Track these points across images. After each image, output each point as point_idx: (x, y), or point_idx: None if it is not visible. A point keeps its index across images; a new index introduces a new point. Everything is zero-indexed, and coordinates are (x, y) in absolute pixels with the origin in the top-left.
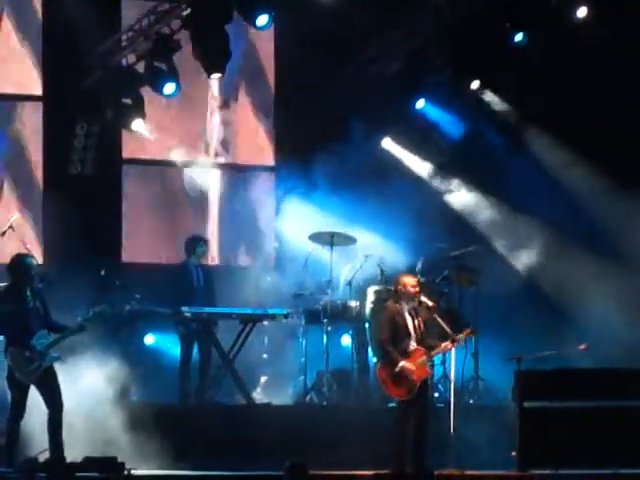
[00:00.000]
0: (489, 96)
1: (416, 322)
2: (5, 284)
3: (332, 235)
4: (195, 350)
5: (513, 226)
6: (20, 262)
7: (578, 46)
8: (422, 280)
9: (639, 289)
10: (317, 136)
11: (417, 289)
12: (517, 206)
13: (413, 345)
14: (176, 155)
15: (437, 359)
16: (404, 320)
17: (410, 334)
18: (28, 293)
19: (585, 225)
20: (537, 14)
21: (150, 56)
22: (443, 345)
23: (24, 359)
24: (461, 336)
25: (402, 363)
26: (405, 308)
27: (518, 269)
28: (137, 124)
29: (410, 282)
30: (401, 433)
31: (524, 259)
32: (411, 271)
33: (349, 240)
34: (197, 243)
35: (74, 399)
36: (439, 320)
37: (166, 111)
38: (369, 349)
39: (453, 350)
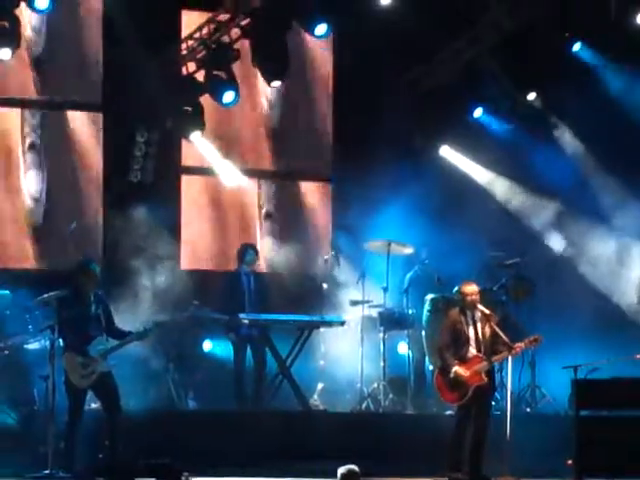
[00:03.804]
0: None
1: (478, 330)
2: (68, 289)
3: (389, 243)
4: (248, 356)
5: (572, 230)
6: (84, 267)
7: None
8: (480, 289)
9: None
10: (374, 145)
11: (475, 297)
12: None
13: (472, 352)
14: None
15: (495, 368)
16: (464, 328)
17: (469, 341)
18: (92, 299)
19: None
20: (597, 23)
21: (210, 65)
22: (502, 353)
23: (78, 364)
24: (521, 344)
25: (455, 368)
26: (468, 316)
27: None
28: (195, 136)
29: (469, 290)
30: (459, 440)
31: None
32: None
33: (405, 248)
34: (246, 251)
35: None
36: (496, 328)
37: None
38: (426, 357)
39: (510, 358)
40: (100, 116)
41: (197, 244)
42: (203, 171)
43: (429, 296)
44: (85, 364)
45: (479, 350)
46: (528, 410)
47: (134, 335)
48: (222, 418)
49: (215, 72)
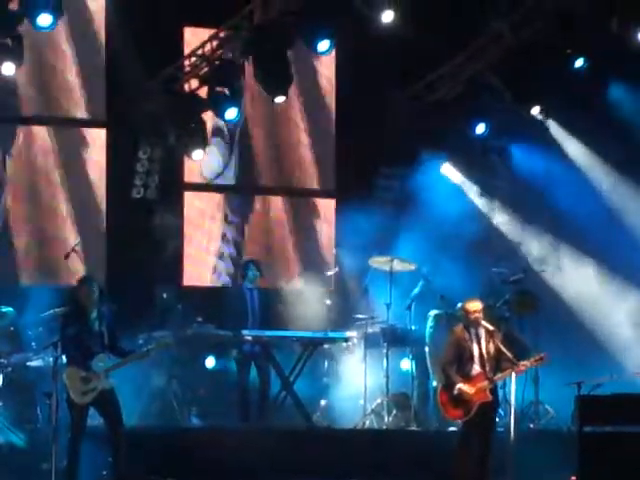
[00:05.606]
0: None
1: (482, 347)
2: (70, 306)
3: (392, 259)
4: (252, 372)
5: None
6: (82, 285)
7: None
8: (483, 305)
9: None
10: (378, 160)
11: (478, 314)
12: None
13: (476, 369)
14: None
15: (498, 383)
16: (469, 345)
17: (474, 358)
18: (94, 316)
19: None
20: (598, 39)
21: (212, 81)
22: (506, 371)
23: (79, 379)
24: (527, 363)
25: (459, 385)
26: (472, 333)
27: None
28: (197, 154)
29: (472, 307)
30: (463, 456)
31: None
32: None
33: (409, 265)
34: (248, 267)
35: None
36: (500, 346)
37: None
38: (429, 373)
39: (513, 375)
40: (103, 132)
41: (200, 260)
42: (206, 187)
43: (432, 312)
44: (87, 380)
45: (483, 367)
46: (531, 426)
47: (136, 355)
48: (225, 435)
49: (218, 89)
